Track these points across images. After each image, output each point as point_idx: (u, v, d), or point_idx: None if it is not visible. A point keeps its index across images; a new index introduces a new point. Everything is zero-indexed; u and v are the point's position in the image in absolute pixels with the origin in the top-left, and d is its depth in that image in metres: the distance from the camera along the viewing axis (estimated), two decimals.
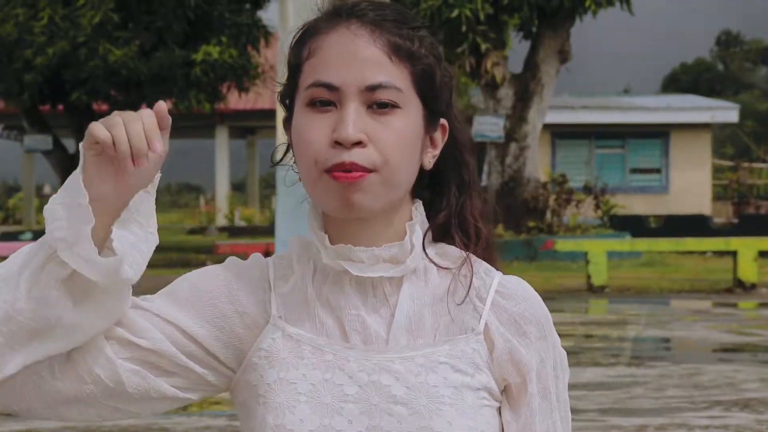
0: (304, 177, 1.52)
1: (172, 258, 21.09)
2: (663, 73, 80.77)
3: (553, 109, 25.89)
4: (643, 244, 17.13)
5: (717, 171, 34.63)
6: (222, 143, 36.92)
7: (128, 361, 1.49)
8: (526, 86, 22.61)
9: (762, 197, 32.16)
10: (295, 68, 1.53)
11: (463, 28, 21.27)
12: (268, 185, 57.74)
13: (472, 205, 1.60)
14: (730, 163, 37.08)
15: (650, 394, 6.73)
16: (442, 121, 1.55)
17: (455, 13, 21.06)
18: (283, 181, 11.23)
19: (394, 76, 1.48)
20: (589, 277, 15.21)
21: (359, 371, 1.48)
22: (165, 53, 23.52)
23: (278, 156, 1.65)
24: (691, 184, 30.87)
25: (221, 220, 36.16)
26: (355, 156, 1.45)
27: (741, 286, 14.84)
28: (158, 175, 1.47)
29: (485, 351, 1.53)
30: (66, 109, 26.29)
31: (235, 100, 31.06)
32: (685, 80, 68.35)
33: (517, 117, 22.58)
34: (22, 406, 1.47)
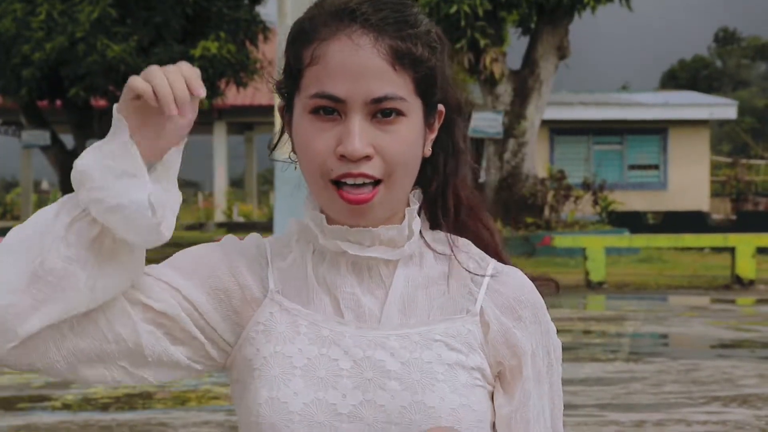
0: (309, 181, 1.54)
1: (170, 254, 21.03)
2: (661, 69, 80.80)
3: (551, 105, 25.88)
4: (641, 241, 17.14)
5: (715, 168, 34.64)
6: (220, 139, 36.89)
7: (144, 321, 1.51)
8: (524, 82, 22.60)
9: (760, 194, 32.17)
10: (295, 71, 1.53)
11: (462, 24, 21.26)
12: (266, 181, 57.74)
13: (458, 174, 1.61)
14: (728, 160, 37.09)
15: (648, 389, 6.74)
16: (440, 106, 1.56)
17: (454, 8, 21.05)
18: (281, 174, 11.24)
19: (399, 86, 1.48)
20: (587, 273, 15.22)
21: (354, 347, 1.50)
22: (163, 49, 23.51)
23: (273, 144, 1.66)
24: (689, 180, 30.87)
25: (219, 216, 36.14)
26: (363, 168, 1.47)
27: (739, 283, 14.85)
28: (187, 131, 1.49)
29: (480, 333, 1.54)
30: (64, 104, 26.28)
31: (234, 96, 31.04)
32: (683, 77, 68.37)
33: (516, 113, 22.58)
34: (45, 363, 1.48)
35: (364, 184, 1.47)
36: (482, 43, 21.85)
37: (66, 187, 27.08)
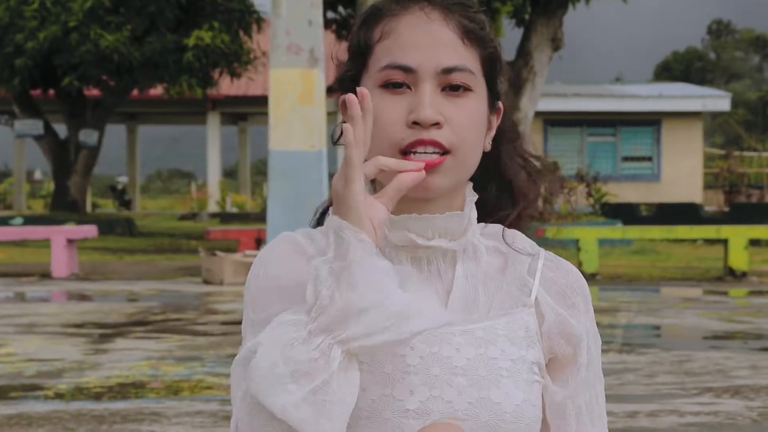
0: (379, 154, 1.48)
1: (163, 244, 21.08)
2: (655, 61, 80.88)
3: (545, 96, 25.87)
4: (634, 232, 17.15)
5: (708, 159, 34.67)
6: (214, 129, 36.84)
7: None
8: (518, 74, 22.60)
9: (753, 186, 32.21)
10: (365, 49, 1.54)
11: None
12: (260, 171, 57.72)
13: (515, 161, 1.64)
14: (721, 152, 37.13)
15: (641, 380, 6.75)
16: (499, 104, 1.61)
17: None
18: (275, 164, 11.24)
19: (468, 59, 1.52)
20: (580, 264, 15.24)
21: (421, 343, 1.48)
22: (157, 38, 23.45)
23: (337, 137, 1.64)
24: (682, 172, 30.90)
25: (213, 207, 36.12)
26: (434, 134, 1.48)
27: (732, 274, 14.87)
28: None
29: (536, 324, 1.56)
30: (57, 94, 26.22)
31: (227, 86, 31.00)
32: (677, 69, 68.41)
33: (510, 104, 22.54)
34: None
35: (433, 153, 1.48)
36: None
37: (59, 177, 27.04)
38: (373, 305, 1.34)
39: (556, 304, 1.58)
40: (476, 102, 1.53)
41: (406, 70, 1.49)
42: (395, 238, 1.52)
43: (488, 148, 1.59)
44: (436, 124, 1.48)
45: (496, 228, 1.62)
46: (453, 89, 1.50)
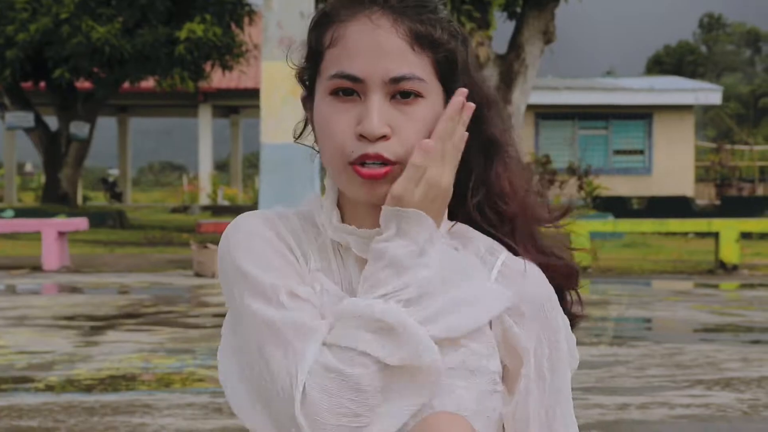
0: (328, 164, 1.52)
1: (155, 236, 21.04)
2: (647, 54, 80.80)
3: (537, 89, 25.87)
4: (625, 225, 17.17)
5: (700, 153, 34.71)
6: (205, 122, 36.78)
7: None
8: (510, 67, 22.59)
9: (744, 179, 32.27)
10: (316, 54, 1.53)
11: (448, 8, 21.23)
12: (252, 165, 57.65)
13: (499, 173, 1.59)
14: (712, 145, 37.17)
15: (632, 373, 6.76)
16: (466, 101, 1.55)
17: None
18: (267, 157, 11.23)
19: (417, 67, 1.49)
20: (571, 257, 15.24)
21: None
22: (148, 31, 23.39)
23: (297, 132, 1.65)
24: (674, 165, 30.93)
25: (204, 200, 36.06)
26: (379, 148, 1.46)
27: (723, 267, 14.90)
28: None
29: (491, 332, 1.53)
30: (48, 86, 26.13)
31: (219, 79, 30.93)
32: (668, 62, 68.46)
33: (501, 97, 22.58)
34: None
35: (381, 164, 1.47)
36: (468, 26, 21.81)
37: (50, 169, 26.98)
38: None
39: (504, 313, 1.53)
40: (428, 108, 1.49)
41: (354, 79, 1.48)
42: (341, 240, 1.53)
43: None
44: (383, 137, 1.46)
45: (459, 227, 1.58)
46: (403, 96, 1.48)
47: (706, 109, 54.54)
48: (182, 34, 23.12)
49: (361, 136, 1.47)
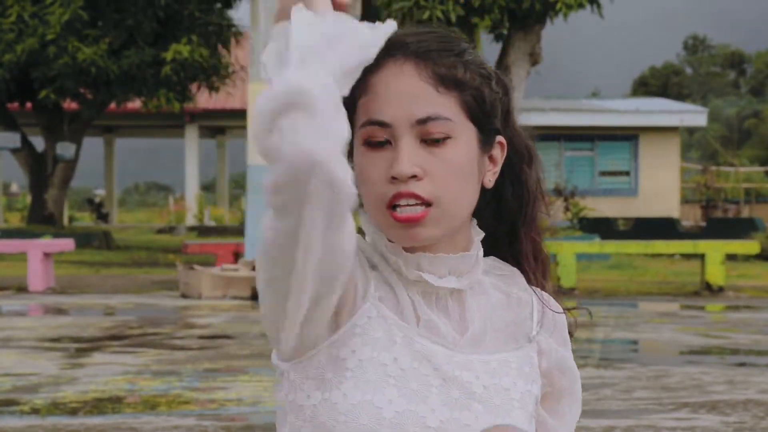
0: (369, 210, 1.56)
1: (141, 257, 20.98)
2: (632, 76, 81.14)
3: (523, 111, 25.91)
4: (611, 247, 17.21)
5: (685, 174, 34.83)
6: (192, 143, 36.77)
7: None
8: None
9: (729, 201, 32.37)
10: (349, 106, 1.54)
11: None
12: (238, 185, 57.62)
13: (531, 226, 1.69)
14: (698, 167, 37.31)
15: (618, 395, 6.76)
16: (499, 138, 1.60)
17: (426, 14, 21.09)
18: (253, 178, 11.23)
19: (443, 107, 1.52)
20: (558, 278, 15.27)
21: (445, 365, 1.53)
22: (135, 52, 23.41)
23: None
24: (659, 187, 31.02)
25: (190, 220, 36.01)
26: (412, 187, 1.51)
27: (708, 289, 14.93)
28: None
29: (537, 360, 1.63)
30: (34, 107, 26.12)
31: (205, 100, 30.96)
32: (654, 84, 68.74)
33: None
34: None
35: (416, 205, 1.51)
36: None
37: (36, 190, 26.92)
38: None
39: (554, 340, 1.64)
40: (459, 148, 1.53)
41: (382, 125, 1.52)
42: (409, 274, 1.56)
43: (489, 185, 1.60)
44: (414, 177, 1.50)
45: (490, 261, 1.65)
46: (434, 139, 1.52)
47: (692, 130, 54.77)
48: (168, 55, 23.14)
49: (393, 178, 1.51)
